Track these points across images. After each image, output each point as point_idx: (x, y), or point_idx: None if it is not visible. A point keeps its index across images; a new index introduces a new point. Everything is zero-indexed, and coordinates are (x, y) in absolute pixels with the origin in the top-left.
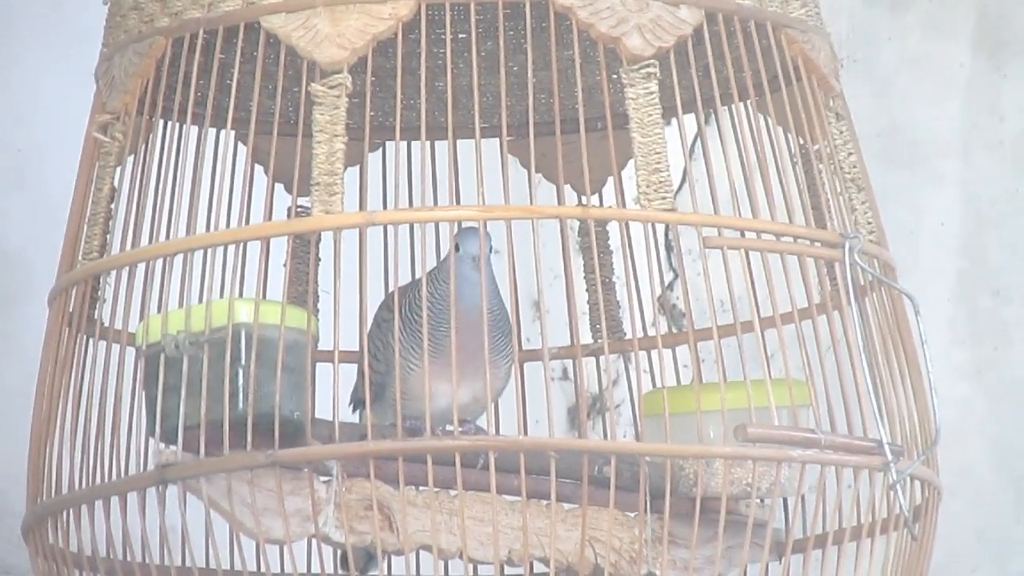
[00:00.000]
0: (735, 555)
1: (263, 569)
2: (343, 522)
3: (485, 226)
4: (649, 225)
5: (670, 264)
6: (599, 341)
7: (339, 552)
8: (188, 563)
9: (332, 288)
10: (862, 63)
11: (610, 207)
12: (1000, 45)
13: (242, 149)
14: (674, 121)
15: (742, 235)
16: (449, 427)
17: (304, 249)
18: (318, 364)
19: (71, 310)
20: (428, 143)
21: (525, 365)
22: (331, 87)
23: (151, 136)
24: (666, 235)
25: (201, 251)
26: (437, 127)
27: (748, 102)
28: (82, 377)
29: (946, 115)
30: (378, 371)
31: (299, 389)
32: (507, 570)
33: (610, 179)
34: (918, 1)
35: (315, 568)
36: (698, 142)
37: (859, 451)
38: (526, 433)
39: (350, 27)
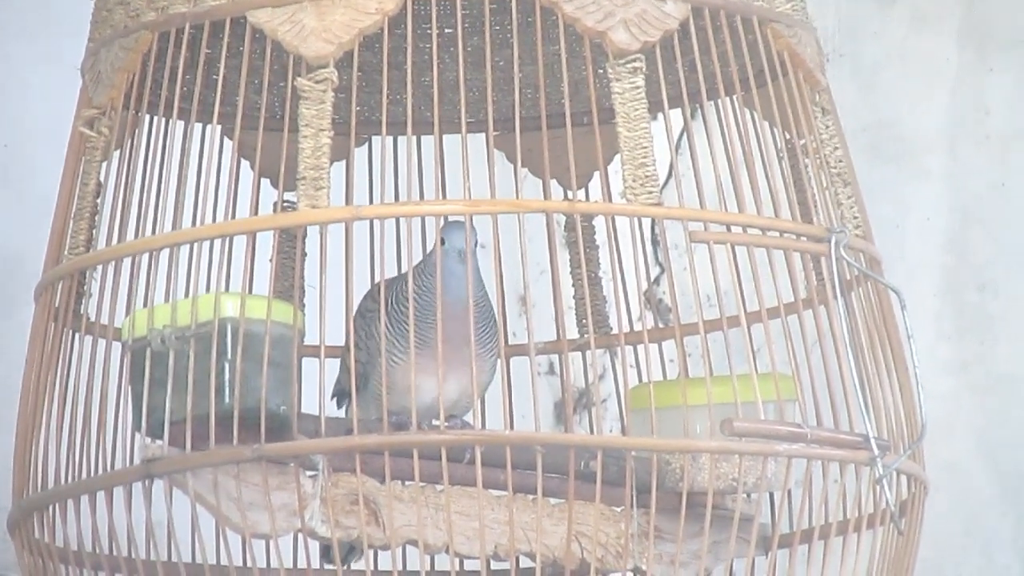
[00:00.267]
0: (721, 550)
1: (249, 563)
2: (329, 516)
3: (471, 220)
4: (635, 219)
5: (656, 258)
6: (585, 336)
7: (321, 544)
8: (174, 558)
9: (318, 283)
10: (848, 58)
11: (596, 201)
12: (986, 39)
13: (228, 144)
14: (660, 116)
15: (728, 229)
16: (435, 421)
17: (290, 244)
18: (304, 359)
19: (57, 305)
20: (414, 138)
21: (511, 360)
22: (317, 82)
23: (137, 131)
24: (652, 230)
25: (187, 246)
26: (423, 122)
27: (734, 97)
28: (68, 372)
29: (932, 110)
30: (360, 360)
31: (285, 383)
32: (493, 565)
33: (596, 174)
34: None
35: (301, 563)
36: (684, 137)
37: (845, 445)
38: (512, 428)
39: (336, 22)
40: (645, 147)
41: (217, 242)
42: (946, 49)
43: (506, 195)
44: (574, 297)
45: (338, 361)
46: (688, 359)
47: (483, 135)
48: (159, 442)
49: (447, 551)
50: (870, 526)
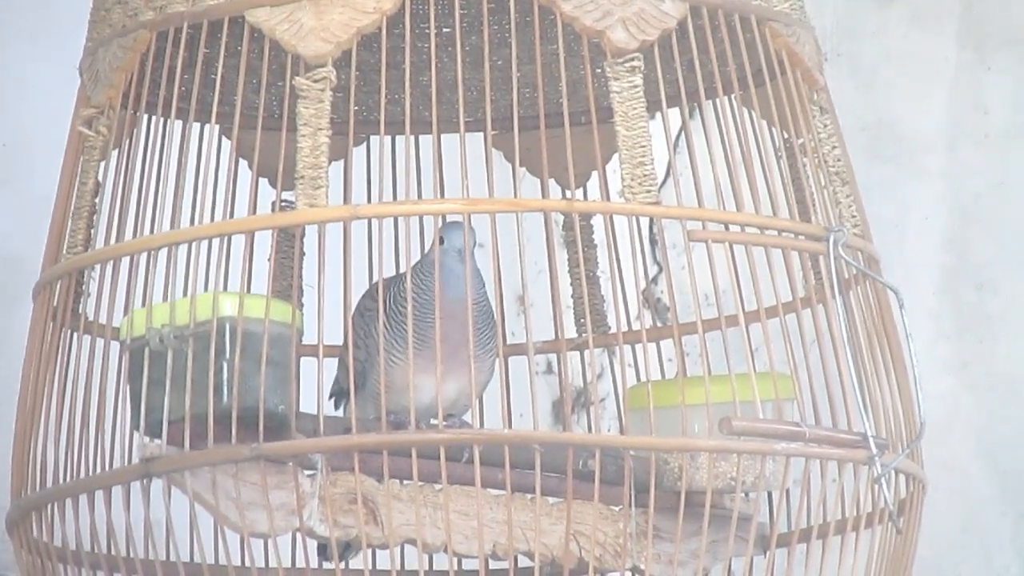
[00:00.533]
0: (720, 549)
1: (247, 563)
2: (328, 516)
3: (469, 219)
4: (634, 219)
5: (655, 258)
6: (583, 335)
7: (319, 542)
8: (173, 557)
9: (316, 282)
10: (846, 57)
11: (595, 201)
12: (985, 38)
13: (226, 143)
14: (658, 115)
15: (726, 228)
16: (434, 421)
17: (288, 243)
18: (302, 358)
19: (55, 304)
20: (412, 137)
21: (510, 359)
22: (315, 81)
23: (135, 130)
24: (651, 229)
25: (185, 245)
26: (421, 121)
27: (732, 96)
28: (66, 371)
29: (931, 109)
30: (359, 359)
31: (284, 383)
32: (492, 564)
33: (595, 173)
34: None
35: (299, 562)
36: (682, 136)
37: (844, 444)
38: (511, 427)
39: (334, 21)
40: (643, 146)
41: (215, 241)
42: (945, 48)
43: (504, 194)
44: (572, 296)
45: (336, 360)
46: (686, 358)
47: (481, 134)
48: (157, 441)
49: (445, 550)
50: (868, 525)
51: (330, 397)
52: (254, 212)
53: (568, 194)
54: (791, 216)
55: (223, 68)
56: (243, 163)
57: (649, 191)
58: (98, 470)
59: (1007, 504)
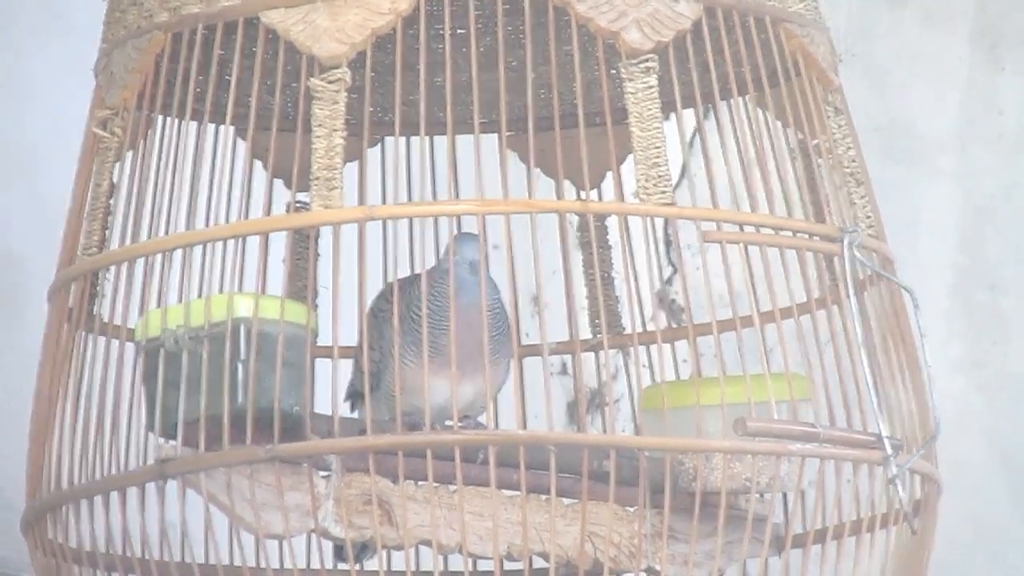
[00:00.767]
0: (735, 550)
1: (262, 564)
2: (342, 517)
3: (484, 221)
4: (648, 220)
5: (669, 259)
6: (598, 336)
7: (335, 543)
8: (188, 558)
9: (331, 283)
10: (860, 57)
11: (609, 202)
12: (999, 39)
13: (241, 144)
14: (673, 116)
15: (741, 229)
16: (449, 422)
17: (303, 244)
18: (317, 359)
19: (70, 306)
20: (427, 138)
21: (524, 360)
22: (330, 82)
23: (150, 132)
24: (665, 230)
25: (200, 246)
26: (436, 122)
27: (747, 97)
28: (81, 373)
29: (944, 109)
30: (373, 360)
31: (298, 384)
32: (507, 565)
33: (609, 174)
34: None
35: (315, 563)
36: (697, 137)
37: (858, 445)
38: (525, 428)
39: (349, 22)
40: (658, 147)
41: (230, 243)
42: (958, 49)
43: (519, 195)
44: (587, 297)
45: (351, 362)
46: (701, 359)
47: (496, 135)
48: (172, 442)
49: (460, 551)
50: (883, 526)
51: (346, 399)
52: (269, 213)
53: (583, 195)
54: (806, 217)
55: (238, 69)
56: (258, 164)
57: (664, 192)
58: (113, 471)
59: (1020, 503)
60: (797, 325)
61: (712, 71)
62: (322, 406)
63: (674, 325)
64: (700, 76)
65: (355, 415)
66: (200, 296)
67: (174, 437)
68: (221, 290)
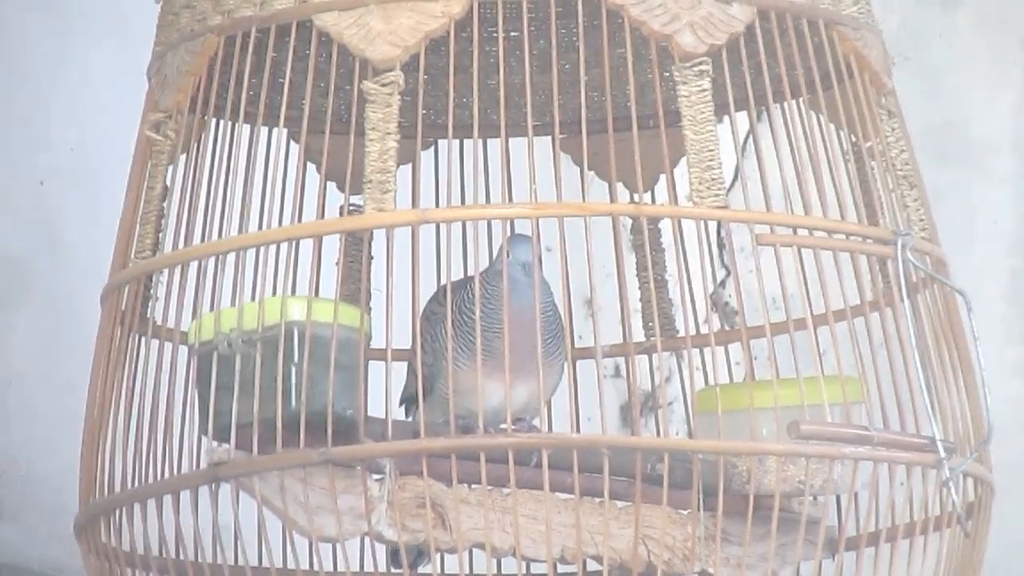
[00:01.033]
0: (788, 552)
1: (316, 567)
2: (396, 520)
3: (538, 224)
4: (701, 222)
5: (722, 261)
6: (651, 339)
7: (389, 547)
8: (241, 562)
9: (384, 286)
10: (914, 60)
11: (662, 205)
12: None
13: (294, 147)
14: (726, 118)
15: (794, 232)
16: (502, 425)
17: (356, 247)
18: (371, 362)
19: (123, 309)
20: (480, 141)
21: (577, 363)
22: (383, 85)
23: (203, 134)
24: (718, 232)
25: (253, 249)
26: (489, 125)
27: (800, 99)
28: (135, 376)
29: (999, 112)
30: (426, 363)
31: (352, 387)
32: (560, 568)
33: (662, 176)
34: None
35: (368, 566)
36: (750, 139)
37: (912, 448)
38: (579, 431)
39: (402, 25)
40: (711, 150)
41: (284, 246)
42: (1012, 51)
43: (572, 198)
44: (640, 300)
45: (403, 364)
46: (754, 362)
47: (549, 138)
48: (225, 446)
49: (514, 554)
50: (937, 529)
51: (400, 404)
52: (322, 216)
53: (636, 198)
54: (859, 220)
55: (291, 72)
56: (311, 167)
57: (717, 195)
58: (166, 475)
59: None
60: (850, 328)
61: (765, 74)
62: (376, 409)
63: (727, 328)
64: (753, 79)
65: (410, 420)
66: (253, 299)
67: (227, 440)
68: (274, 293)
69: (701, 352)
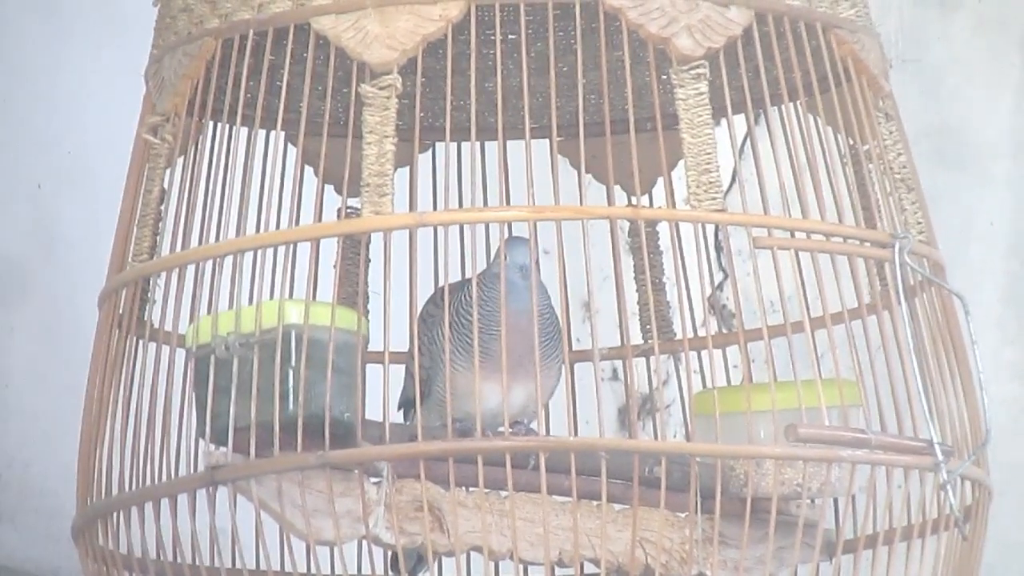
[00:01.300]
0: (786, 555)
1: (314, 571)
2: (393, 523)
3: (535, 227)
4: (699, 225)
5: (720, 264)
6: (649, 341)
7: (390, 553)
8: (238, 565)
9: (382, 289)
10: (911, 63)
11: (660, 207)
12: None
13: (292, 150)
14: (724, 121)
15: (792, 235)
16: (500, 428)
17: (354, 250)
18: (368, 365)
19: (121, 311)
20: (478, 144)
21: (575, 365)
22: (381, 88)
23: (201, 137)
24: (716, 235)
25: (251, 252)
26: (487, 128)
27: (798, 102)
28: (132, 379)
29: (996, 115)
30: (423, 366)
31: (349, 390)
32: (558, 571)
33: (660, 179)
34: (967, 0)
35: (365, 570)
36: (748, 142)
37: (909, 451)
38: (576, 434)
39: (400, 28)
40: (709, 153)
41: (281, 249)
42: (1010, 54)
43: (570, 201)
44: (638, 303)
45: (401, 368)
46: (752, 365)
47: (547, 141)
48: (223, 449)
49: (511, 557)
50: (934, 531)
51: (399, 409)
52: (320, 219)
53: (634, 201)
54: (857, 223)
55: (288, 75)
56: (309, 170)
57: (715, 198)
58: (164, 478)
59: None
60: (848, 331)
61: (763, 77)
62: (373, 412)
63: (725, 331)
64: (751, 82)
65: (408, 423)
66: (251, 302)
67: (225, 443)
68: (272, 296)
69: (699, 355)
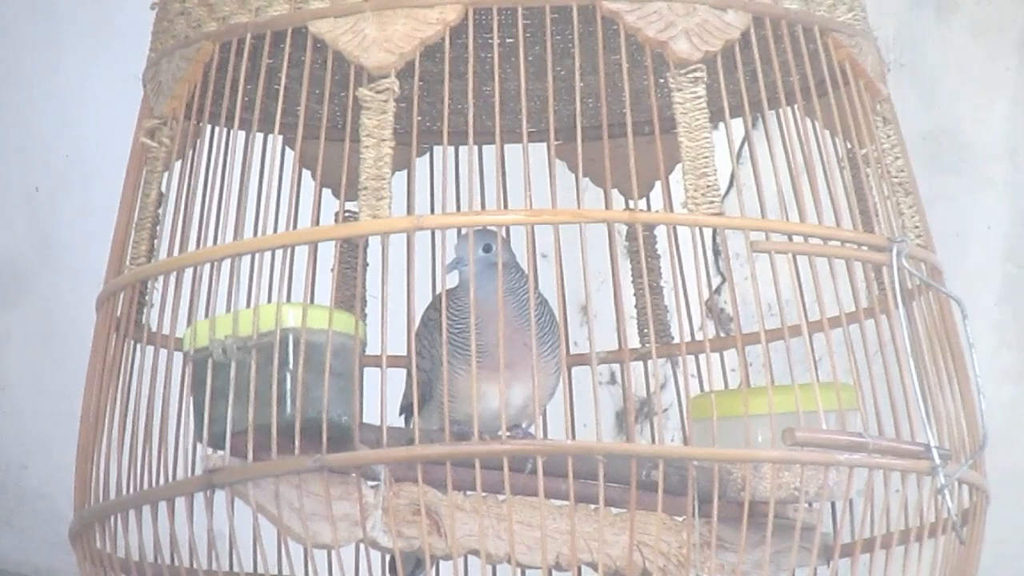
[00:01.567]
0: (783, 559)
1: (311, 574)
2: (391, 527)
3: (532, 231)
4: (697, 229)
5: (718, 268)
6: (647, 345)
7: (387, 557)
8: (236, 568)
9: (380, 293)
10: (909, 67)
11: (658, 211)
12: None
13: (289, 154)
14: (721, 125)
15: (790, 239)
16: (497, 432)
17: (352, 254)
18: (366, 369)
19: (119, 315)
20: (476, 147)
21: (573, 369)
22: (378, 92)
23: (198, 141)
24: (713, 239)
25: (249, 256)
26: (485, 131)
27: (795, 106)
28: (129, 382)
29: (993, 118)
30: (423, 368)
31: (347, 394)
32: (555, 574)
33: (658, 183)
34: (964, 4)
35: (363, 573)
36: (745, 146)
37: (907, 455)
38: (574, 437)
39: (398, 32)
40: (706, 157)
41: (279, 252)
42: (1006, 58)
43: (567, 205)
44: (636, 307)
45: (399, 371)
46: (750, 368)
47: (544, 145)
48: (220, 452)
49: (509, 561)
50: (932, 535)
51: (400, 413)
52: (317, 223)
53: (631, 204)
54: (854, 227)
55: (286, 79)
56: (306, 174)
57: (712, 202)
58: (161, 481)
59: None
60: (845, 335)
61: (760, 80)
62: (371, 416)
63: (723, 334)
64: (748, 85)
65: (408, 427)
66: (248, 306)
67: (222, 447)
68: (269, 300)
69: (696, 359)
